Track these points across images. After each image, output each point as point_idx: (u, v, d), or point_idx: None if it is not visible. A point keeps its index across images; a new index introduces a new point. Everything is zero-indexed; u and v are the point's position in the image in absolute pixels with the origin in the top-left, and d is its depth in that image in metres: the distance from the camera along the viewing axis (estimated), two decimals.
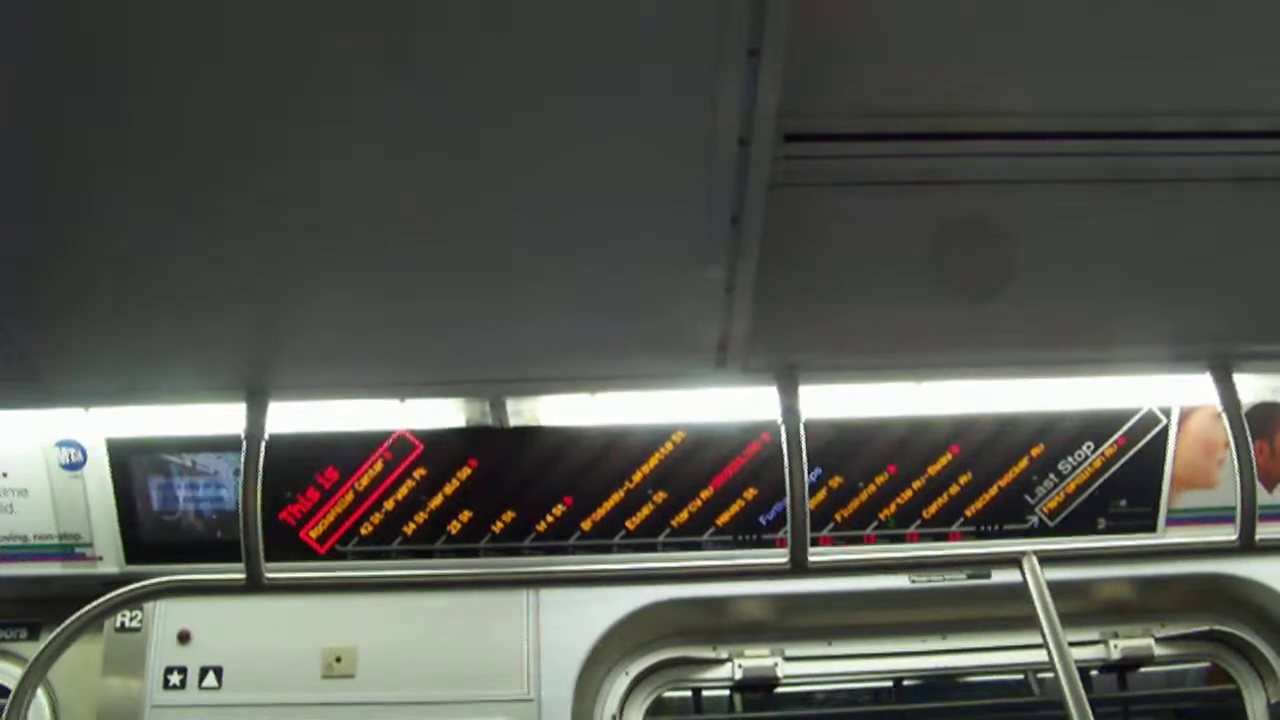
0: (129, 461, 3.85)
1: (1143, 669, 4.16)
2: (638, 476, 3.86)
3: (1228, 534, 3.73)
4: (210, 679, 3.78)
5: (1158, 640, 4.04)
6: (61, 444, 3.83)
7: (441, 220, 2.59)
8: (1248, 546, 3.70)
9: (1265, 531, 3.71)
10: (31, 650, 3.72)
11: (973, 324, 3.21)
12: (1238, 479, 3.64)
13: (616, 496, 3.87)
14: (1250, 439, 3.65)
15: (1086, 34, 2.31)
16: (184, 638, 3.83)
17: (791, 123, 2.41)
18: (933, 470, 3.91)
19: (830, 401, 3.66)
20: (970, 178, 2.62)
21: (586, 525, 3.88)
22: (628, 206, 2.59)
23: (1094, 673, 4.02)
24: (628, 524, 3.88)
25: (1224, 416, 3.61)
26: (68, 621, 3.20)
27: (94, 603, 3.24)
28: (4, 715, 3.08)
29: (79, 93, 2.12)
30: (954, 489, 3.91)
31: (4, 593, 4.00)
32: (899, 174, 2.58)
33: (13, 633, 4.11)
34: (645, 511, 3.88)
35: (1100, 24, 2.29)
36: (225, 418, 3.42)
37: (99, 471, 3.85)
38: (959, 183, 2.64)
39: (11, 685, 3.63)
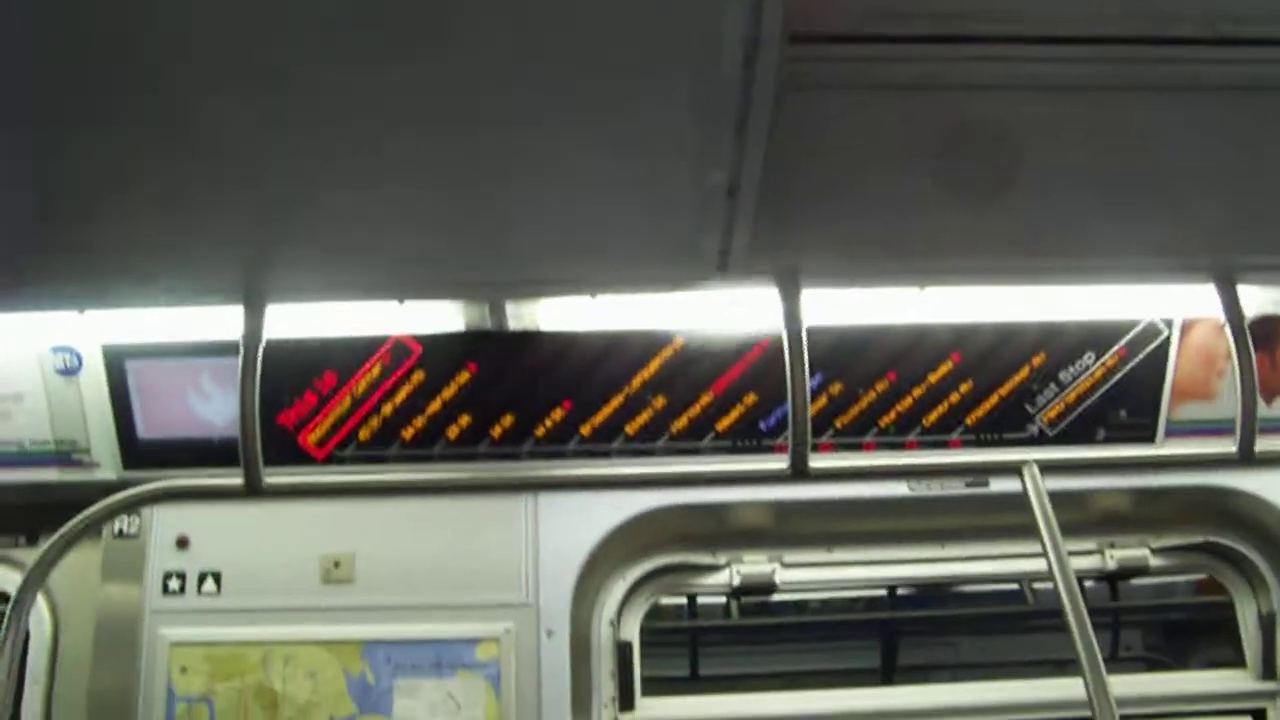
0: (125, 367, 3.82)
1: (1135, 580, 4.20)
2: (637, 381, 3.84)
3: (1227, 446, 3.76)
4: (209, 584, 3.79)
5: (1153, 551, 4.05)
6: (56, 349, 3.80)
7: (439, 119, 2.55)
8: (1246, 459, 3.72)
9: (1264, 444, 3.74)
10: (30, 556, 3.69)
11: (976, 231, 3.19)
12: (1239, 391, 3.64)
13: (616, 401, 3.85)
14: (1252, 351, 3.66)
15: None
16: (182, 543, 3.83)
17: (798, 24, 2.37)
18: (933, 378, 3.89)
19: (832, 308, 3.65)
20: (977, 83, 2.58)
21: (586, 430, 3.87)
22: (630, 108, 2.56)
23: (1088, 583, 4.03)
24: (627, 429, 3.87)
25: (1226, 328, 3.61)
26: (66, 527, 3.19)
27: (91, 508, 3.23)
28: (5, 620, 3.08)
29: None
30: (954, 397, 3.89)
31: (1, 499, 3.99)
32: (906, 78, 2.53)
33: (11, 538, 4.10)
34: (645, 416, 3.86)
35: None
36: (223, 322, 3.41)
37: (95, 377, 3.82)
38: (965, 88, 2.59)
39: (11, 590, 3.66)
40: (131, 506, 3.44)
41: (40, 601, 3.90)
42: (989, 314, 3.88)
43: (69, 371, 3.82)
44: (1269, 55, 2.57)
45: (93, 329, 3.76)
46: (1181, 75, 2.58)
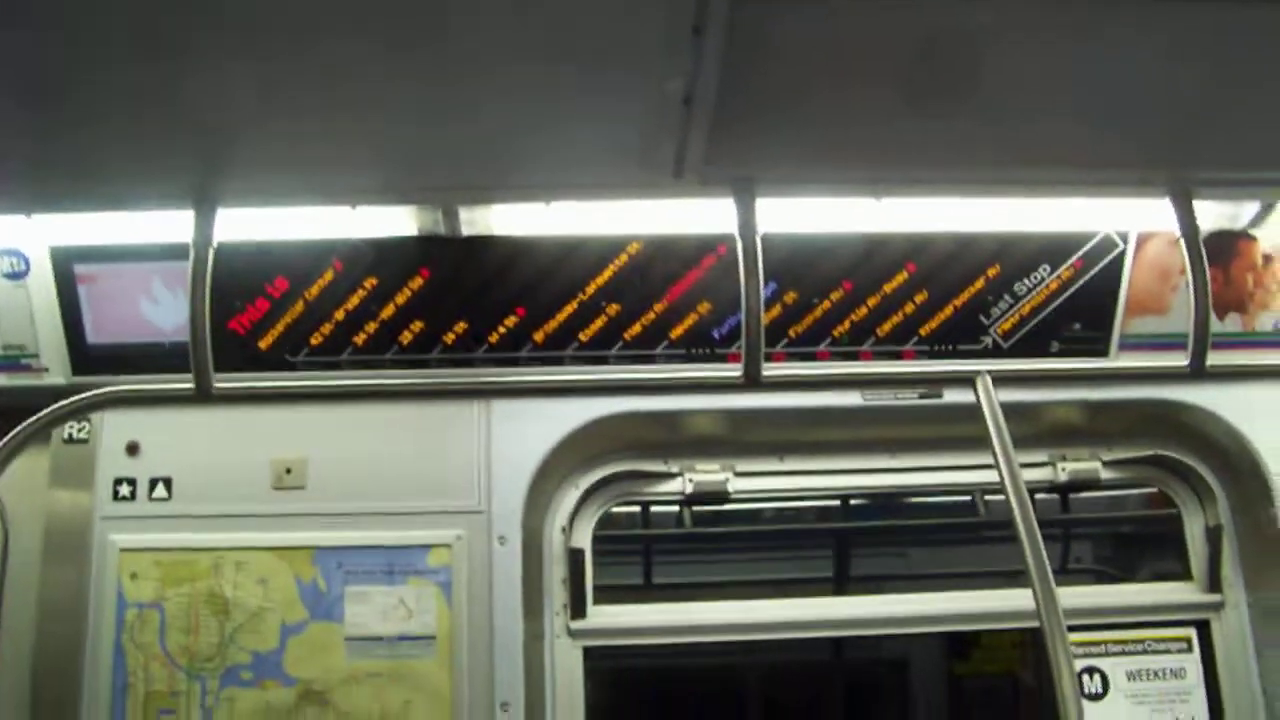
0: (73, 271, 3.77)
1: (1086, 493, 4.25)
2: (591, 288, 3.82)
3: (1179, 360, 3.79)
4: (160, 490, 3.77)
5: (1104, 464, 4.09)
6: (3, 252, 3.75)
7: (389, 20, 2.52)
8: (1198, 373, 3.77)
9: (1215, 359, 3.78)
10: None
11: (932, 142, 3.19)
12: (1192, 305, 3.69)
13: (570, 308, 3.83)
14: (1206, 266, 3.68)
15: None
16: (133, 449, 3.80)
17: None
18: (888, 288, 3.88)
19: (786, 216, 3.64)
20: None
21: (539, 337, 3.85)
22: (586, 13, 2.53)
23: (1039, 495, 4.06)
24: (580, 336, 3.85)
25: (1181, 242, 3.63)
26: (14, 432, 3.18)
27: (40, 413, 3.22)
28: None
29: None
30: (909, 307, 3.89)
31: None
32: None
33: None
34: (598, 324, 3.85)
35: None
36: (173, 226, 3.37)
37: (43, 281, 3.77)
38: None
39: None
40: (81, 411, 3.42)
41: None
42: (945, 225, 3.88)
43: (16, 275, 3.77)
44: None
45: (41, 232, 3.71)
46: None
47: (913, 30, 2.70)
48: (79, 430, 3.82)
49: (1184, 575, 4.12)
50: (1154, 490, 4.25)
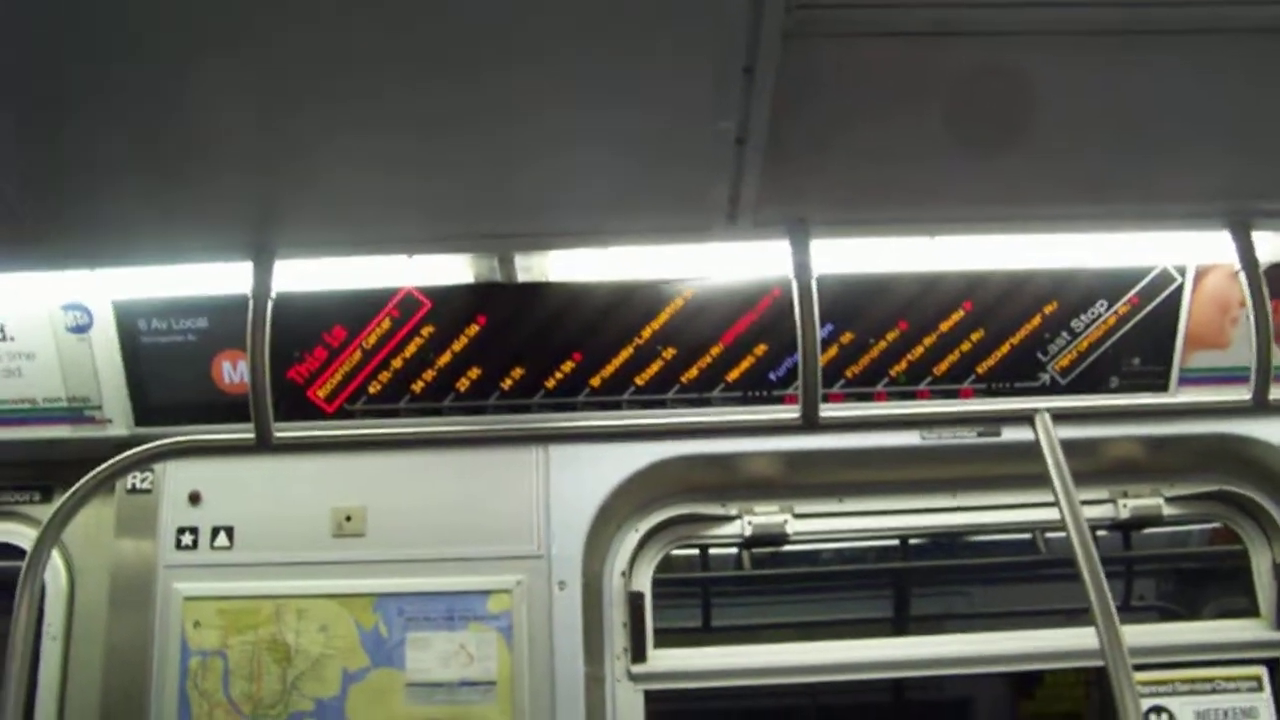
0: (136, 323, 3.82)
1: (1148, 529, 4.19)
2: (647, 332, 3.82)
3: (1241, 394, 3.73)
4: (221, 539, 3.82)
5: (1166, 500, 4.04)
6: (67, 307, 3.80)
7: (447, 71, 2.54)
8: (1261, 406, 3.69)
9: (1278, 392, 3.73)
10: (44, 513, 3.75)
11: (987, 179, 3.16)
12: (1253, 338, 3.61)
13: (626, 353, 3.84)
14: (1267, 297, 3.63)
15: None
16: (195, 499, 3.85)
17: None
18: (945, 327, 3.86)
19: (842, 256, 3.62)
20: (986, 29, 2.55)
21: (596, 382, 3.86)
22: (637, 56, 2.54)
23: (1100, 532, 4.02)
24: (637, 380, 3.86)
25: (1241, 275, 3.58)
26: (80, 483, 3.20)
27: (105, 464, 3.24)
28: (21, 576, 3.09)
29: None
30: (965, 346, 3.87)
31: (15, 456, 4.01)
32: (914, 24, 2.50)
33: (25, 495, 4.13)
34: (655, 368, 3.85)
35: None
36: (232, 278, 3.40)
37: (106, 334, 3.82)
38: (975, 34, 2.56)
39: (26, 546, 3.69)
40: (144, 462, 3.44)
41: (55, 557, 3.93)
42: (1001, 262, 3.84)
43: (80, 329, 3.82)
44: None
45: (103, 286, 3.76)
46: (1197, 18, 2.55)
47: (964, 65, 2.69)
48: (142, 481, 3.87)
49: (1251, 612, 4.05)
50: (1217, 526, 4.21)
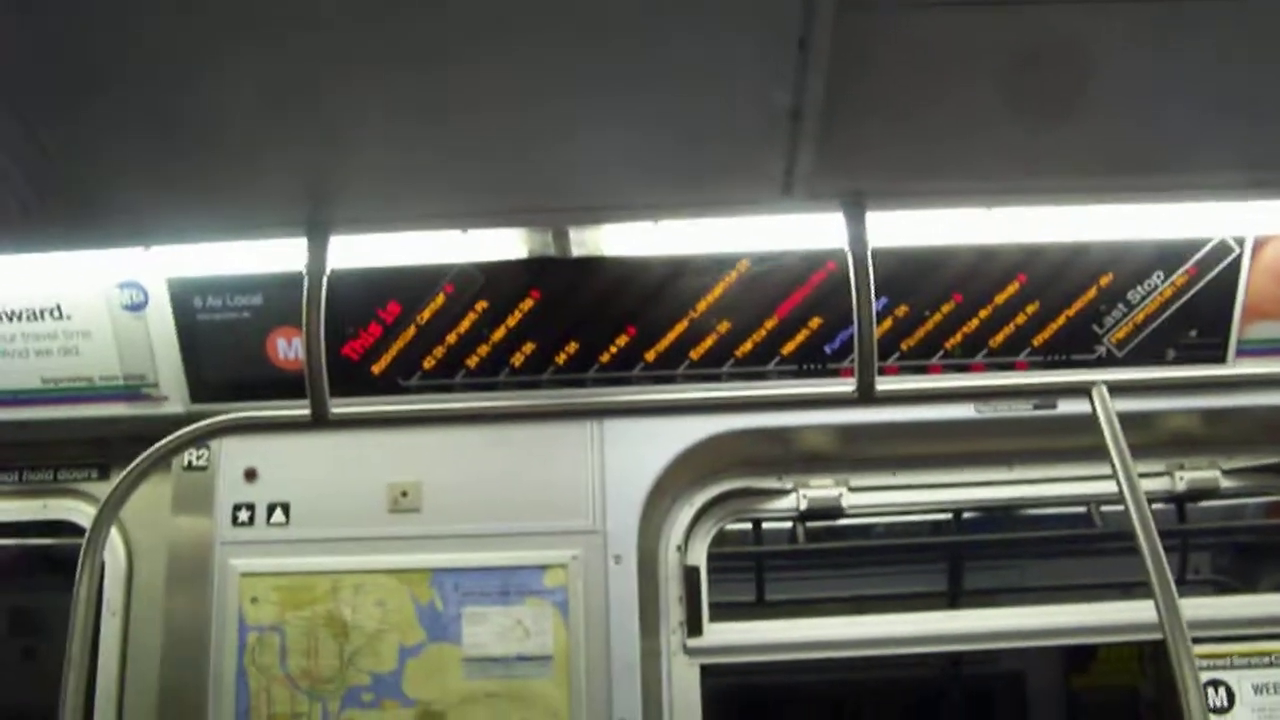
0: (191, 301, 3.85)
1: (1204, 503, 4.17)
2: (702, 306, 3.82)
3: None
4: (278, 515, 3.84)
5: (1224, 473, 4.01)
6: (123, 285, 3.83)
7: (501, 44, 2.54)
8: None
9: None
10: (102, 490, 3.77)
11: (1044, 149, 3.13)
12: None
13: (680, 326, 3.83)
14: None
15: None
16: (251, 475, 3.88)
17: None
18: (1000, 299, 3.84)
19: (897, 229, 3.60)
20: None
21: (650, 356, 3.86)
22: (692, 30, 2.53)
23: (1155, 506, 3.99)
24: (691, 354, 3.85)
25: None
26: (137, 461, 3.23)
27: (161, 442, 3.27)
28: (82, 552, 3.13)
29: None
30: (1021, 318, 3.84)
31: (73, 433, 4.06)
32: None
33: (84, 473, 4.19)
34: (709, 341, 3.85)
35: None
36: (287, 254, 3.41)
37: (161, 312, 3.85)
38: (1029, 3, 2.55)
39: (85, 523, 3.73)
40: (200, 439, 3.47)
41: (114, 534, 3.96)
42: (1056, 234, 3.82)
43: (135, 307, 3.85)
44: None
45: (159, 264, 3.79)
46: None
47: (1019, 35, 2.66)
48: (198, 458, 3.89)
49: None
50: (1276, 499, 4.18)
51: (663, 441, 3.83)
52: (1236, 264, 3.84)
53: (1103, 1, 2.55)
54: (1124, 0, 2.54)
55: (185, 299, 3.85)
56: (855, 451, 3.98)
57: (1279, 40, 2.71)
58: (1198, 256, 3.85)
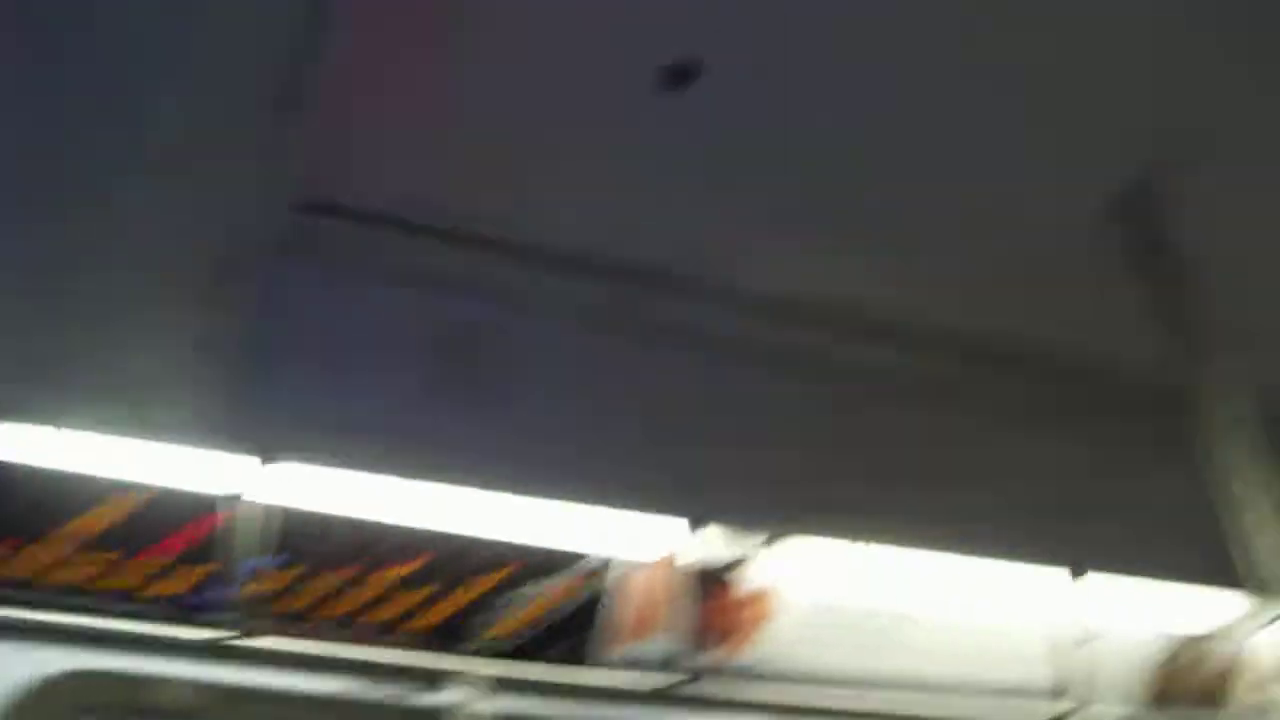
0: None
1: None
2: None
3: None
4: None
5: None
6: None
7: None
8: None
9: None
10: None
11: (463, 434, 3.19)
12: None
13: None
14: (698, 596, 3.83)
15: None
16: None
17: (310, 194, 2.38)
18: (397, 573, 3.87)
19: (306, 488, 3.56)
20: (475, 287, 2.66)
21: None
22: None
23: None
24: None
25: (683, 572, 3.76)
26: None
27: None
28: None
29: None
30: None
31: None
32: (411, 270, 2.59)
33: None
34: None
35: None
36: None
37: None
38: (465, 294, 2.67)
39: None
40: None
41: None
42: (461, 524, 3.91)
43: None
44: None
45: None
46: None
47: (449, 322, 2.74)
48: None
49: None
50: None
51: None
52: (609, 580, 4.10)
53: (521, 308, 2.68)
54: (544, 317, 2.70)
55: None
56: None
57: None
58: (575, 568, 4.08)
